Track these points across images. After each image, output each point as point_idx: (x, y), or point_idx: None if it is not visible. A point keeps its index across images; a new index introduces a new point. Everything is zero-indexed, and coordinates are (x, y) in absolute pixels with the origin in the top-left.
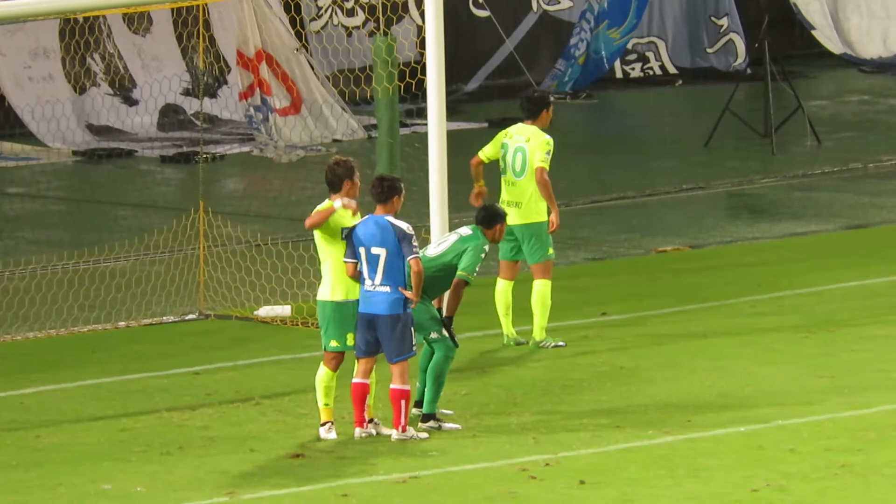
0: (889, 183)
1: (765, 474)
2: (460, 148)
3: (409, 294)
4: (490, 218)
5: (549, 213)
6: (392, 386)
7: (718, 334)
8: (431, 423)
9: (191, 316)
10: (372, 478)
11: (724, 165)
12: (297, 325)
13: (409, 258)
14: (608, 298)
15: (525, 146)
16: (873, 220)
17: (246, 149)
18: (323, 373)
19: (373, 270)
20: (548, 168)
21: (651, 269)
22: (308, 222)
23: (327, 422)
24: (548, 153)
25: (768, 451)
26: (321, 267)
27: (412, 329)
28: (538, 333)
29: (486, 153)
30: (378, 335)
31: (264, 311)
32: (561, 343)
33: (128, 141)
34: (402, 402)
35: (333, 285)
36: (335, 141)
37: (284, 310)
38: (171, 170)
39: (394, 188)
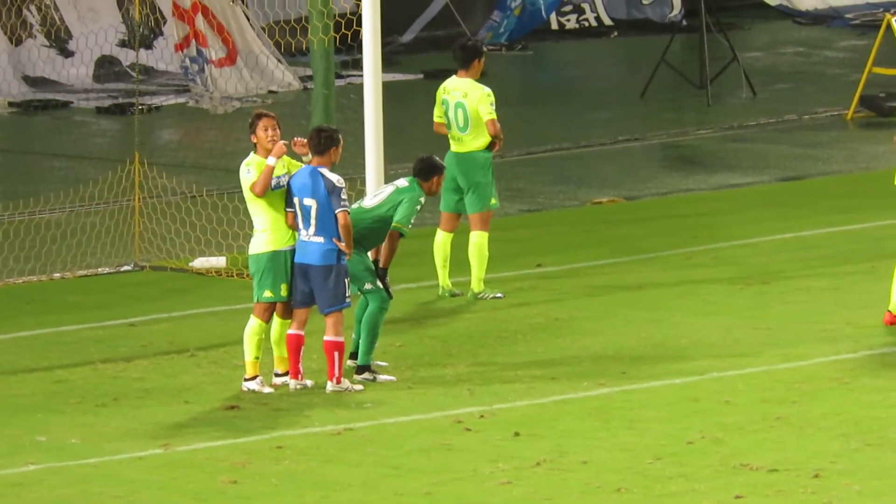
0: (824, 134)
1: (700, 426)
2: (396, 99)
3: (341, 246)
4: (427, 170)
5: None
6: (326, 338)
7: (654, 286)
8: (366, 375)
9: (126, 267)
10: (307, 429)
11: (660, 117)
12: (233, 276)
13: (336, 211)
14: (543, 250)
15: (464, 101)
16: (808, 171)
17: (182, 100)
18: (255, 324)
19: (307, 221)
20: (496, 117)
21: (586, 220)
22: (258, 190)
23: (257, 376)
24: (492, 104)
25: (703, 402)
26: (253, 220)
27: (346, 280)
28: (476, 285)
29: (437, 114)
30: (312, 285)
31: (199, 263)
32: (499, 294)
33: (63, 92)
34: (336, 353)
35: (266, 236)
36: (271, 92)
37: (219, 261)
38: (107, 121)
39: (331, 139)
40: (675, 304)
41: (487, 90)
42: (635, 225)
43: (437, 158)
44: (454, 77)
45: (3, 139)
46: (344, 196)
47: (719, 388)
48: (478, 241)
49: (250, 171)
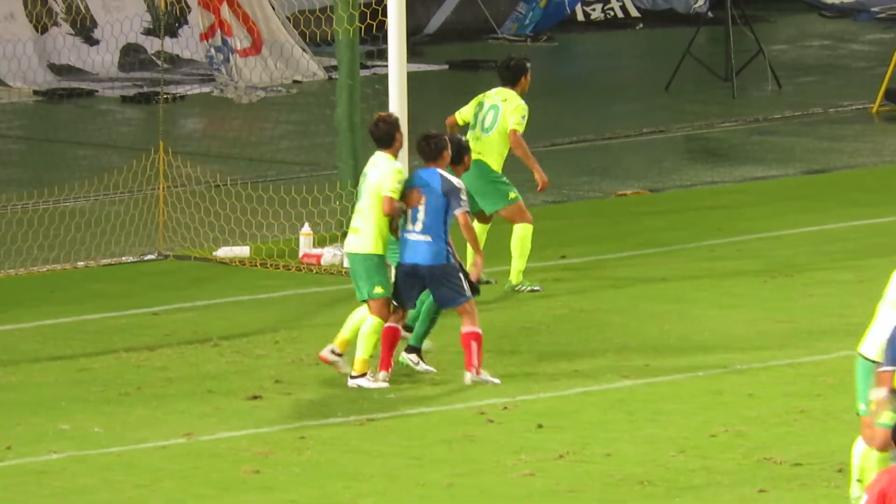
0: (849, 128)
1: (723, 419)
2: (420, 90)
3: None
4: (457, 153)
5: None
6: (462, 330)
7: (677, 278)
8: (412, 357)
9: (150, 256)
10: (329, 420)
11: (685, 109)
12: (256, 265)
13: (456, 212)
14: (567, 241)
15: (500, 105)
16: (833, 164)
17: (206, 89)
18: (375, 322)
19: (414, 218)
20: (521, 130)
21: (610, 212)
22: (387, 210)
23: (366, 373)
24: (523, 117)
25: (727, 395)
26: (358, 217)
27: (461, 275)
28: (515, 276)
29: (462, 115)
30: (427, 285)
31: (223, 252)
32: (537, 287)
33: (88, 80)
34: (474, 343)
35: (375, 238)
36: (295, 82)
37: (243, 250)
38: (132, 110)
39: (440, 144)
40: (699, 296)
41: (524, 104)
42: (659, 217)
43: (458, 136)
44: (500, 87)
45: (27, 127)
46: (464, 196)
47: (743, 382)
48: (520, 233)
49: (398, 184)
